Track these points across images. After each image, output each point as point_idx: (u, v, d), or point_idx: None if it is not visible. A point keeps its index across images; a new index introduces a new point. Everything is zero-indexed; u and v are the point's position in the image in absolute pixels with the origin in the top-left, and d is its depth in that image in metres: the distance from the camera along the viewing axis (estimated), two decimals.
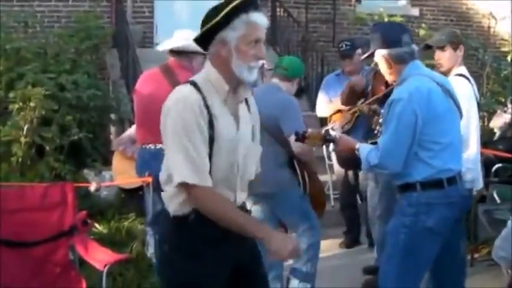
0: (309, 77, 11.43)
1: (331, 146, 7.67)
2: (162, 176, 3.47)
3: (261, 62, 3.47)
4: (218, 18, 3.28)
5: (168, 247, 3.43)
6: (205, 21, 3.36)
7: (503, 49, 12.12)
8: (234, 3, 3.29)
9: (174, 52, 5.85)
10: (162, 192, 3.48)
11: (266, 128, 5.28)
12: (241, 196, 3.53)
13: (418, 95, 4.16)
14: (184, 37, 5.85)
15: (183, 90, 3.34)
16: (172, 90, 3.44)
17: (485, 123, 8.96)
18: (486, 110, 8.67)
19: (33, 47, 9.68)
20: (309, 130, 4.63)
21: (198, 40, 3.43)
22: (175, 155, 3.27)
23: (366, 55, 4.61)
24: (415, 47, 4.40)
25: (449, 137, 4.28)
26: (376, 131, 5.07)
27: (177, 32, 5.98)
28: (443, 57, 5.45)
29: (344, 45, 7.32)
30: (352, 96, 6.59)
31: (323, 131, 4.70)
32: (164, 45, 6.06)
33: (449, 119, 4.33)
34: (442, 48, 5.44)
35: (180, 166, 3.23)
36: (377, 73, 5.75)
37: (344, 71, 7.41)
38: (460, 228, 4.62)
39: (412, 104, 4.13)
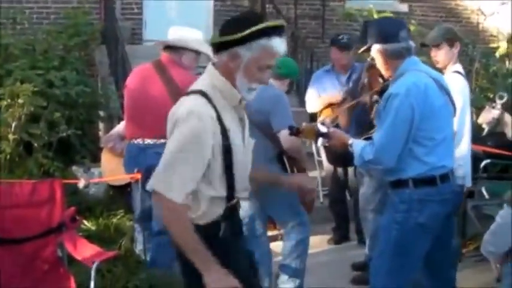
0: (299, 73, 11.40)
1: (320, 141, 7.67)
2: None
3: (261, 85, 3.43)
4: (239, 35, 3.23)
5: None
6: (226, 30, 3.32)
7: (492, 45, 12.13)
8: (260, 26, 3.24)
9: (168, 47, 5.84)
10: None
11: (256, 123, 5.26)
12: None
13: (415, 90, 4.16)
14: (178, 33, 5.86)
15: (196, 103, 3.27)
16: (180, 98, 3.39)
17: (474, 119, 9.00)
18: (475, 106, 8.68)
19: (21, 43, 9.65)
20: (303, 124, 4.62)
21: (214, 44, 3.41)
22: (168, 164, 3.23)
23: (362, 49, 4.58)
24: (412, 43, 4.39)
25: (443, 133, 4.29)
26: (374, 123, 5.05)
27: (172, 28, 5.98)
28: (439, 54, 5.45)
29: (344, 37, 7.30)
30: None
31: (316, 126, 4.69)
32: (158, 41, 6.08)
33: (445, 115, 4.34)
34: (437, 45, 5.44)
35: (164, 175, 3.22)
36: (373, 67, 5.76)
37: (337, 65, 7.37)
38: (452, 223, 4.63)
39: (410, 98, 4.13)
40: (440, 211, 4.27)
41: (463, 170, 5.21)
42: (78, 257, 4.74)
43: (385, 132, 4.18)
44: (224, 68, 3.34)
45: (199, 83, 3.41)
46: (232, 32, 3.26)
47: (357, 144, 4.35)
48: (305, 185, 4.01)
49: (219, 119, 3.27)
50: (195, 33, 5.91)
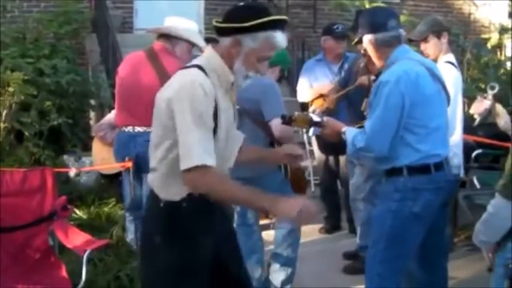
0: (290, 62, 11.39)
1: (311, 131, 7.66)
2: (153, 161, 3.44)
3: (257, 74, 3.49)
4: (246, 25, 3.29)
5: (159, 233, 3.39)
6: (232, 17, 3.38)
7: (483, 36, 12.14)
8: (267, 19, 3.31)
9: (162, 36, 5.81)
10: (150, 178, 3.46)
11: (246, 111, 5.26)
12: None
13: (405, 78, 4.15)
14: (174, 23, 5.84)
15: (196, 74, 3.32)
16: (176, 73, 3.44)
17: (466, 109, 9.01)
18: (466, 96, 8.68)
19: (11, 31, 9.60)
20: (296, 113, 4.61)
21: (217, 28, 3.43)
22: (187, 136, 3.22)
23: (355, 40, 4.60)
24: (402, 31, 4.39)
25: (436, 121, 4.28)
26: (365, 113, 5.04)
27: (168, 18, 5.96)
28: (428, 47, 5.45)
29: (339, 27, 7.29)
30: None
31: (309, 114, 4.67)
32: (153, 28, 6.05)
33: (437, 103, 4.33)
34: (425, 39, 5.44)
35: (195, 148, 3.20)
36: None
37: (331, 54, 7.34)
38: (446, 213, 4.64)
39: (400, 86, 4.12)
40: (434, 200, 4.27)
41: (458, 159, 5.21)
42: (70, 246, 4.72)
43: (375, 120, 4.18)
44: (224, 52, 3.39)
45: (197, 61, 3.47)
46: (239, 20, 3.32)
47: (350, 132, 4.34)
48: (293, 152, 4.01)
49: (215, 96, 3.31)
50: (191, 25, 5.88)
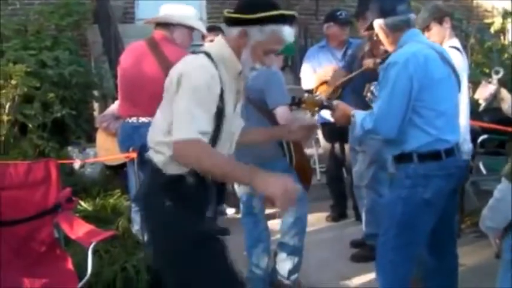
0: (294, 50, 11.35)
1: (317, 118, 7.64)
2: (158, 138, 3.50)
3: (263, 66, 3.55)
4: (254, 16, 3.37)
5: (168, 205, 3.42)
6: (242, 8, 3.45)
7: (486, 20, 12.08)
8: (275, 12, 3.40)
9: (160, 25, 5.78)
10: (155, 156, 3.50)
11: (251, 100, 5.23)
12: None
13: (414, 60, 4.13)
14: (169, 9, 5.80)
15: (203, 60, 3.40)
16: (184, 59, 3.50)
17: (470, 95, 8.96)
18: (471, 81, 8.65)
19: (13, 24, 9.57)
20: (305, 95, 4.60)
21: (226, 18, 3.50)
22: (184, 111, 3.27)
23: (366, 26, 4.58)
24: (412, 15, 4.37)
25: (445, 105, 4.25)
26: (367, 98, 5.01)
27: (164, 6, 5.92)
28: (432, 35, 5.41)
29: (343, 13, 7.26)
30: None
31: (320, 97, 4.65)
32: (151, 18, 6.02)
33: (446, 87, 4.29)
34: (427, 27, 5.42)
35: (188, 123, 3.24)
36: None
37: (335, 41, 7.29)
38: (455, 199, 4.61)
39: (408, 68, 4.10)
40: (445, 186, 4.25)
41: (467, 145, 5.19)
42: (75, 238, 4.68)
43: (383, 102, 4.16)
44: (233, 41, 3.47)
45: (206, 48, 3.58)
46: (247, 12, 3.40)
47: (358, 115, 4.32)
48: (306, 122, 4.03)
49: (220, 80, 3.37)
50: (188, 9, 5.83)
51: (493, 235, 4.28)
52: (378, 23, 4.37)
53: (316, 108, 4.59)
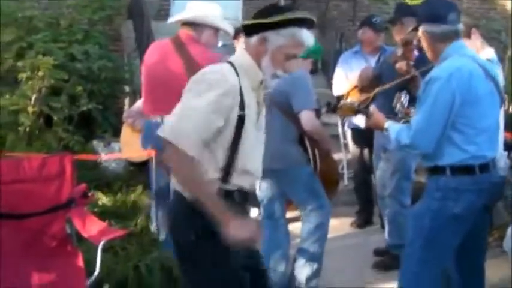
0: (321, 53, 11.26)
1: (346, 125, 7.54)
2: None
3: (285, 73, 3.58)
4: (272, 20, 3.38)
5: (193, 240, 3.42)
6: (261, 14, 3.46)
7: None
8: (293, 16, 3.42)
9: (186, 24, 5.68)
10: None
11: (276, 103, 5.15)
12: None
13: (458, 75, 3.98)
14: (197, 8, 5.70)
15: (225, 68, 3.41)
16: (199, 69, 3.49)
17: (507, 107, 8.77)
18: (508, 93, 8.49)
19: (46, 17, 9.56)
20: (341, 101, 4.52)
21: (245, 26, 3.53)
22: (183, 114, 3.28)
23: (412, 28, 4.42)
24: (460, 26, 4.19)
25: (487, 122, 4.10)
26: (396, 109, 4.87)
27: (190, 3, 5.82)
28: None
29: (378, 19, 7.15)
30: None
31: (355, 103, 4.56)
32: (176, 16, 5.92)
33: (489, 104, 4.14)
34: None
35: (183, 127, 3.24)
36: (408, 42, 5.67)
37: (369, 47, 7.18)
38: (488, 216, 4.46)
39: (451, 84, 3.96)
40: (476, 202, 4.10)
41: (504, 160, 5.01)
42: (86, 235, 4.64)
43: (423, 117, 4.03)
44: (253, 50, 3.46)
45: (230, 58, 3.55)
46: (265, 17, 3.42)
47: (393, 128, 4.21)
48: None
49: (241, 91, 3.36)
50: (215, 9, 5.72)
51: None
52: (425, 29, 4.19)
53: (352, 114, 4.52)
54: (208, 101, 3.25)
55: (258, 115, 3.53)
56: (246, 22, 3.51)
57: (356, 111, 4.49)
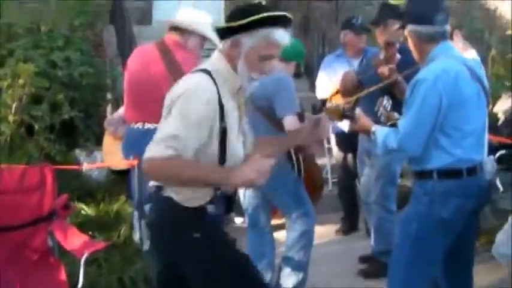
0: (310, 58, 11.21)
1: (330, 130, 7.46)
2: None
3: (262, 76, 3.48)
4: (243, 22, 3.31)
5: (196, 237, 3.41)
6: (232, 17, 3.40)
7: (509, 31, 11.85)
8: (264, 15, 3.32)
9: (173, 29, 5.61)
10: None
11: (259, 107, 5.09)
12: None
13: (444, 77, 3.95)
14: (187, 15, 5.64)
15: (201, 81, 3.35)
16: (183, 76, 3.50)
17: (489, 108, 8.77)
18: (491, 94, 8.47)
19: (26, 22, 9.45)
20: (327, 104, 4.46)
21: (218, 30, 3.46)
22: (165, 129, 3.26)
23: (398, 27, 4.36)
24: (448, 27, 4.16)
25: (473, 124, 4.08)
26: (379, 113, 4.82)
27: (181, 10, 5.77)
28: None
29: (358, 20, 7.08)
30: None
31: (342, 106, 4.51)
32: (165, 19, 5.88)
33: (475, 106, 4.11)
34: None
35: (162, 142, 3.21)
36: (391, 44, 5.61)
37: (351, 49, 7.13)
38: (476, 221, 4.40)
39: (438, 85, 3.93)
40: (464, 206, 4.07)
41: (491, 164, 4.99)
42: (68, 248, 4.56)
43: (410, 119, 4.01)
44: (227, 54, 3.41)
45: (204, 65, 3.49)
46: (236, 20, 3.34)
47: (380, 132, 4.17)
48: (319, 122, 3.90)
49: (220, 100, 3.33)
50: (205, 17, 5.67)
51: (505, 263, 4.10)
52: (411, 30, 4.15)
53: (338, 118, 4.47)
54: (189, 120, 3.23)
55: (240, 120, 3.51)
56: (218, 26, 3.45)
57: (342, 116, 4.42)
